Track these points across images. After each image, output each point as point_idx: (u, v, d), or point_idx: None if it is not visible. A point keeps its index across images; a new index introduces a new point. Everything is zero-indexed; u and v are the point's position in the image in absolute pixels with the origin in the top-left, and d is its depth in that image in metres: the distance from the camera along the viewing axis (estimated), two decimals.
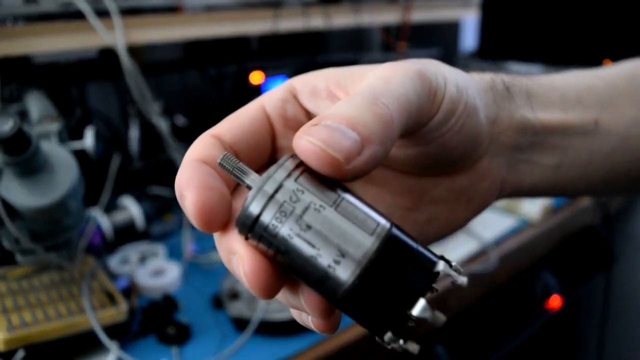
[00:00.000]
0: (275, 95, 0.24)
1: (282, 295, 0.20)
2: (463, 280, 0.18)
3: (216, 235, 0.20)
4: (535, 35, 1.28)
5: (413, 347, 0.18)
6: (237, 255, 0.19)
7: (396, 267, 0.17)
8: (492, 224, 0.95)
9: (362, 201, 0.19)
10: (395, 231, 0.18)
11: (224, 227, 0.19)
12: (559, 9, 1.23)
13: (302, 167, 0.18)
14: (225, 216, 0.19)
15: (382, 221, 0.18)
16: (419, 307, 0.17)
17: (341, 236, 0.17)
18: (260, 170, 0.21)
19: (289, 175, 0.18)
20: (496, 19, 1.35)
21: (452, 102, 0.22)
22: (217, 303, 0.72)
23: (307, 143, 0.18)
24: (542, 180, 0.29)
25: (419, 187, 0.26)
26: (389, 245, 0.17)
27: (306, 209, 0.18)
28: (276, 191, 0.18)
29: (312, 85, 0.23)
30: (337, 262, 0.17)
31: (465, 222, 0.28)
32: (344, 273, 0.17)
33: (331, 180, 0.18)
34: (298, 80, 0.24)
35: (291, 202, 0.18)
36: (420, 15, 1.23)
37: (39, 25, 0.75)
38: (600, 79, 0.32)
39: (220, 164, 0.19)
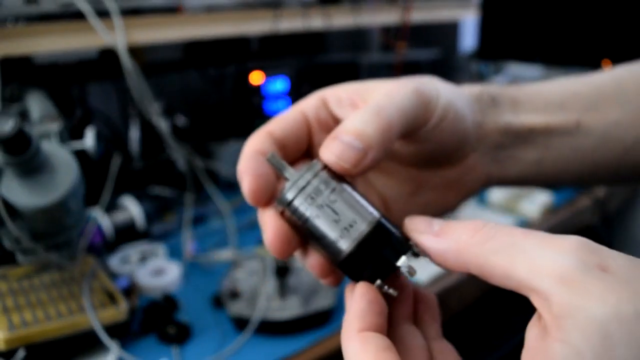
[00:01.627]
0: (311, 103, 0.30)
1: (298, 256, 0.28)
2: (418, 257, 0.25)
3: (259, 209, 0.27)
4: (535, 35, 1.28)
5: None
6: (266, 224, 0.26)
7: (379, 245, 0.25)
8: None
9: (363, 197, 0.26)
10: (383, 221, 0.25)
11: (267, 204, 0.27)
12: (558, 9, 1.23)
13: (326, 169, 0.26)
14: (269, 196, 0.26)
15: (375, 212, 0.25)
16: (401, 261, 0.25)
17: (346, 220, 0.25)
18: (297, 160, 0.30)
19: (315, 175, 0.25)
20: (496, 19, 1.35)
21: (443, 110, 0.29)
22: (217, 303, 0.72)
23: (328, 155, 0.25)
24: (525, 172, 0.34)
25: (419, 177, 0.33)
26: (376, 230, 0.24)
27: (325, 199, 0.25)
28: (306, 185, 0.25)
29: (338, 96, 0.30)
30: (341, 237, 0.25)
31: (457, 205, 0.35)
32: (345, 244, 0.24)
33: (345, 179, 0.26)
34: (328, 92, 0.30)
35: (315, 193, 0.25)
36: (419, 16, 1.24)
37: (40, 26, 0.75)
38: (586, 85, 0.35)
39: (268, 159, 0.27)
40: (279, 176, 0.27)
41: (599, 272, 0.19)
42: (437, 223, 0.25)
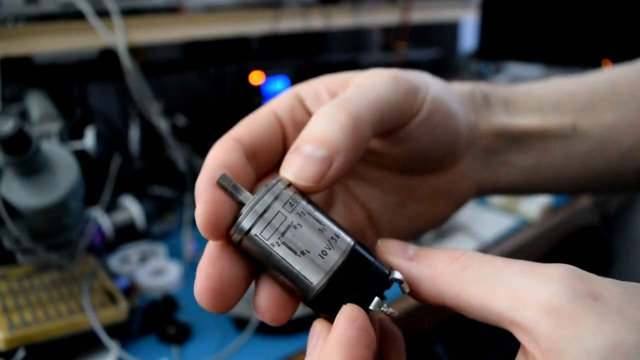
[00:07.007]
0: (284, 102, 0.26)
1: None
2: (406, 290, 0.22)
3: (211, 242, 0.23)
4: (535, 35, 1.28)
5: None
6: (202, 269, 0.21)
7: (356, 277, 0.21)
8: (491, 224, 0.96)
9: (334, 222, 0.22)
10: (358, 248, 0.22)
11: (223, 237, 0.22)
12: (558, 9, 1.23)
13: (290, 188, 0.22)
14: (225, 229, 0.21)
15: (348, 239, 0.22)
16: (372, 304, 0.21)
17: (314, 249, 0.21)
18: (271, 171, 0.25)
19: (276, 198, 0.21)
20: (495, 19, 1.35)
21: (434, 102, 0.26)
22: None
23: (285, 173, 0.22)
24: (519, 179, 0.32)
25: (407, 186, 0.30)
26: (351, 259, 0.21)
27: (288, 226, 0.21)
28: (265, 211, 0.21)
29: (315, 91, 0.26)
30: (310, 270, 0.21)
31: (447, 217, 0.31)
32: (315, 278, 0.21)
33: (311, 200, 0.22)
34: (302, 88, 0.27)
35: (276, 220, 0.21)
36: (419, 16, 1.24)
37: (40, 26, 0.75)
38: (580, 86, 0.33)
39: (218, 182, 0.22)
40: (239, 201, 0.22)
41: (591, 301, 0.17)
42: (412, 248, 0.23)
